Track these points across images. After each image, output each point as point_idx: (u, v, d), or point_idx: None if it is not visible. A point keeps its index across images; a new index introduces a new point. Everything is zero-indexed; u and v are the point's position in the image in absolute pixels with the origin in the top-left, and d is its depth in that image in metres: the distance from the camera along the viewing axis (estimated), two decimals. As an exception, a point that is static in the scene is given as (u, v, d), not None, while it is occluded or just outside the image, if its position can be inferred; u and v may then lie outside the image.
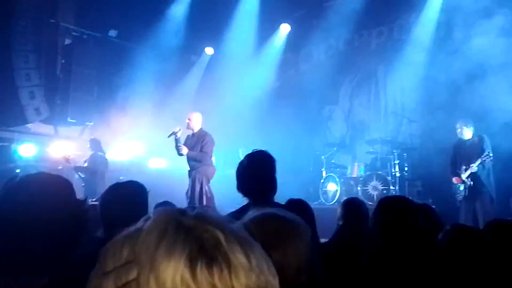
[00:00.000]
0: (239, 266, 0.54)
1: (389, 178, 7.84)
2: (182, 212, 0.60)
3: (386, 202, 2.08)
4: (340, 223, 3.09)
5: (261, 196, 2.41)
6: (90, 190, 7.49)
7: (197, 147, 6.68)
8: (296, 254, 0.96)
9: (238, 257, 0.54)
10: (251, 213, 0.90)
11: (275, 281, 0.58)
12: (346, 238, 2.89)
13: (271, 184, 2.46)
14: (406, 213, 1.94)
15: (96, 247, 0.69)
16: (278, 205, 2.44)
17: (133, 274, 0.53)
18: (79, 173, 7.91)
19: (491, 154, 6.17)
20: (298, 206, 3.06)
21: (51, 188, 1.39)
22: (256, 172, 2.45)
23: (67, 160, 7.76)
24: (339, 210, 3.16)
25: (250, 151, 2.62)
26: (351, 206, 3.15)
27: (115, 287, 0.54)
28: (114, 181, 2.96)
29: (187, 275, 0.51)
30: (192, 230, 0.56)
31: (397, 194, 7.70)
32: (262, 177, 2.44)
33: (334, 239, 3.03)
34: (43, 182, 1.41)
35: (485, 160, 6.19)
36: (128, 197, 2.28)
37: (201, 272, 0.52)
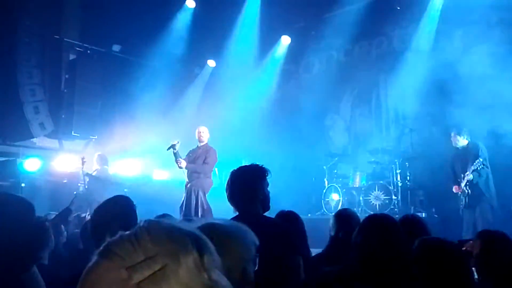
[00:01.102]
0: (215, 253, 0.78)
1: (391, 187, 7.83)
2: (160, 219, 0.78)
3: (367, 223, 2.14)
4: (332, 233, 3.14)
5: (245, 207, 2.47)
6: (91, 197, 7.57)
7: (201, 159, 6.74)
8: (232, 259, 1.18)
9: (213, 247, 0.78)
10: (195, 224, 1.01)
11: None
12: (337, 248, 2.93)
13: (255, 196, 2.49)
14: (383, 233, 2.01)
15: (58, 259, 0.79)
16: (263, 217, 2.49)
17: (157, 266, 0.70)
18: (85, 176, 7.94)
19: (482, 161, 6.08)
20: (288, 217, 3.22)
21: (8, 209, 1.43)
22: (240, 184, 2.51)
23: (83, 161, 7.82)
24: (331, 221, 3.22)
25: (252, 162, 2.69)
26: (342, 217, 3.20)
27: (144, 276, 0.69)
28: (119, 193, 3.03)
29: (199, 263, 0.73)
30: (190, 231, 0.76)
31: (399, 203, 7.70)
32: (246, 190, 2.49)
33: (326, 250, 3.08)
34: (1, 203, 1.46)
35: (477, 168, 6.11)
36: (117, 212, 2.37)
37: (207, 260, 0.74)
